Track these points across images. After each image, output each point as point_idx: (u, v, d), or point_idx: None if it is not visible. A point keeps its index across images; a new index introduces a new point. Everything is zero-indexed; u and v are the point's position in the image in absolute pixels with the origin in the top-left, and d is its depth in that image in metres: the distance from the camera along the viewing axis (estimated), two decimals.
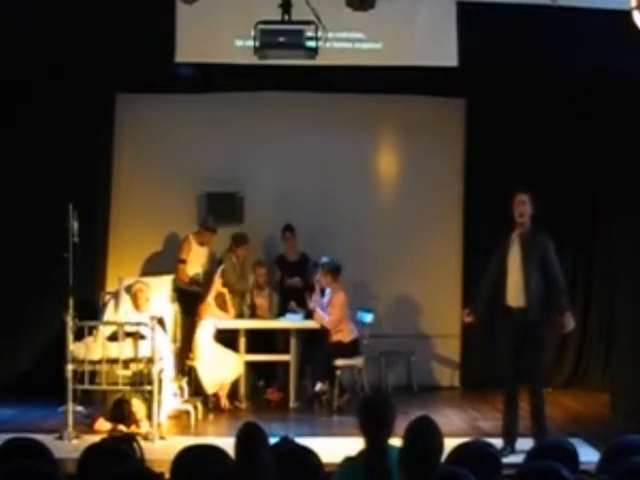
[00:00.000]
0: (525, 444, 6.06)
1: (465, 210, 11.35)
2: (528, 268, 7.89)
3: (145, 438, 8.25)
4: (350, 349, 10.12)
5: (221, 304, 10.15)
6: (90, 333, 8.89)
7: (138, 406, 8.80)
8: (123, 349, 8.73)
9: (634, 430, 6.56)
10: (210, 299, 10.04)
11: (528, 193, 8.14)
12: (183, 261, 10.35)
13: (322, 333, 10.20)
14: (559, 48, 8.71)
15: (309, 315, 10.35)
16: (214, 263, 10.61)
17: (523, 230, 8.08)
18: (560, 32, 8.55)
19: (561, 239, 11.22)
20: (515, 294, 7.95)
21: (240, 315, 10.55)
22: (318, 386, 9.99)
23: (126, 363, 8.76)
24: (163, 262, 10.78)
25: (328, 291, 10.25)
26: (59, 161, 10.61)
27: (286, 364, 10.21)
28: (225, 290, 10.22)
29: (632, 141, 9.51)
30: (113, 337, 8.87)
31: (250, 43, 7.72)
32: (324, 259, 10.21)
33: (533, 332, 7.88)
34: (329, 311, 10.10)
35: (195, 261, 10.44)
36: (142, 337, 8.80)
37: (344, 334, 10.13)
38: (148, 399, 8.72)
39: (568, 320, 7.96)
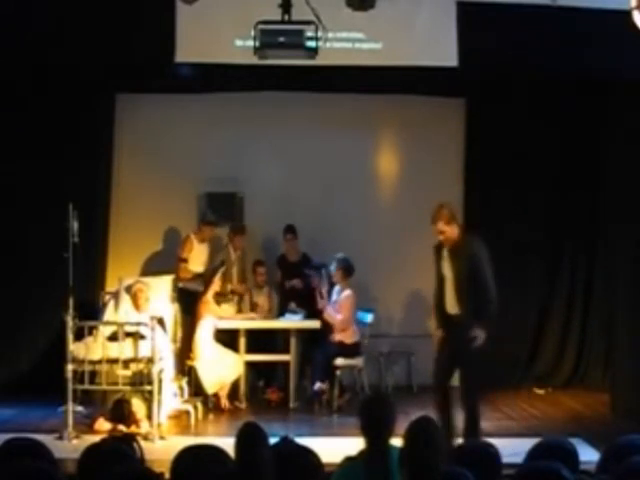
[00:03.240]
0: (525, 444, 6.04)
1: (465, 210, 11.33)
2: (459, 279, 7.75)
3: (145, 438, 8.25)
4: (351, 350, 10.12)
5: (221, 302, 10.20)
6: (90, 333, 8.89)
7: (138, 406, 8.80)
8: (123, 349, 8.73)
9: (634, 430, 6.54)
10: (209, 297, 10.05)
11: (439, 221, 7.82)
12: (184, 260, 10.36)
13: (322, 333, 10.20)
14: (559, 48, 8.71)
15: (309, 315, 10.35)
16: (215, 261, 10.59)
17: (451, 244, 7.89)
18: (560, 32, 8.54)
19: (561, 240, 11.29)
20: (451, 303, 7.86)
21: (239, 311, 10.60)
22: (317, 385, 9.98)
23: (126, 363, 8.76)
24: (163, 262, 10.79)
25: (337, 289, 10.24)
26: (59, 161, 10.61)
27: (286, 364, 10.21)
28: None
29: (633, 142, 9.50)
30: (113, 337, 8.87)
31: (250, 43, 7.72)
32: (340, 254, 10.21)
33: (467, 342, 7.62)
34: (338, 310, 10.11)
35: (197, 259, 10.44)
36: (142, 337, 8.80)
37: (347, 335, 10.14)
38: (148, 399, 8.72)
39: (478, 331, 7.61)
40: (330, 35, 8.30)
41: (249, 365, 10.25)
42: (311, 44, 7.53)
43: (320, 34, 7.54)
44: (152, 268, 10.79)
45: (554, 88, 10.62)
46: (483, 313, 7.66)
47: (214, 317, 10.01)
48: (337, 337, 10.15)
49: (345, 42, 8.84)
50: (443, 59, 8.79)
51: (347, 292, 10.17)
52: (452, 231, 7.83)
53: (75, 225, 8.80)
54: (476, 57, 8.82)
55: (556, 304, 11.31)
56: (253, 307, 10.74)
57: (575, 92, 10.73)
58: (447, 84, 10.47)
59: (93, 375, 8.84)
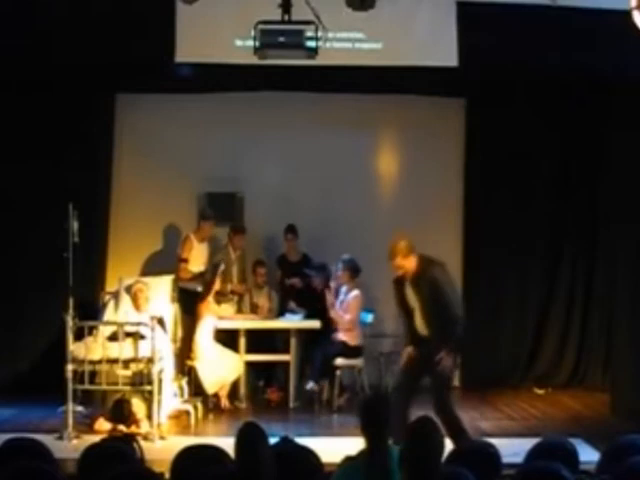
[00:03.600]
0: (525, 444, 6.04)
1: (465, 210, 11.35)
2: (425, 306, 7.75)
3: (145, 438, 8.25)
4: (353, 352, 10.11)
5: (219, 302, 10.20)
6: (90, 333, 8.89)
7: (138, 406, 8.80)
8: (123, 349, 8.73)
9: (634, 430, 6.54)
10: (210, 298, 10.04)
11: (396, 257, 7.75)
12: (185, 260, 10.35)
13: (323, 332, 10.19)
14: (559, 48, 8.71)
15: (309, 315, 10.34)
16: (214, 261, 10.58)
17: (412, 275, 7.83)
18: (560, 32, 8.54)
19: (561, 240, 11.28)
20: (421, 327, 7.84)
21: (239, 312, 10.60)
22: (309, 385, 9.96)
23: (126, 363, 8.75)
24: (163, 262, 10.78)
25: (343, 290, 10.24)
26: (59, 161, 10.61)
27: (286, 364, 10.21)
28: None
29: (633, 142, 9.50)
30: (113, 337, 8.87)
31: (250, 43, 7.71)
32: (345, 256, 10.20)
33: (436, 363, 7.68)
34: (346, 309, 10.10)
35: (197, 259, 10.43)
36: (142, 337, 8.79)
37: (352, 336, 10.13)
38: (148, 399, 8.72)
39: (443, 354, 7.65)
40: (330, 35, 8.29)
41: (249, 365, 10.25)
42: (311, 44, 7.53)
43: (320, 34, 7.54)
44: (152, 268, 10.79)
45: (555, 88, 10.62)
46: (448, 334, 7.69)
47: (214, 317, 10.01)
48: (341, 337, 10.14)
49: (345, 42, 8.83)
50: (443, 59, 8.78)
51: (355, 292, 10.16)
52: (410, 264, 7.79)
53: (75, 225, 8.79)
54: (476, 57, 8.82)
55: (556, 304, 11.31)
56: (253, 308, 10.73)
57: (576, 92, 10.73)
58: (447, 84, 10.46)
59: (93, 375, 8.83)
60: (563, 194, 11.26)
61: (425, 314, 7.78)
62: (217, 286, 10.09)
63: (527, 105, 10.99)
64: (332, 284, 10.24)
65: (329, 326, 10.21)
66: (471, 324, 11.22)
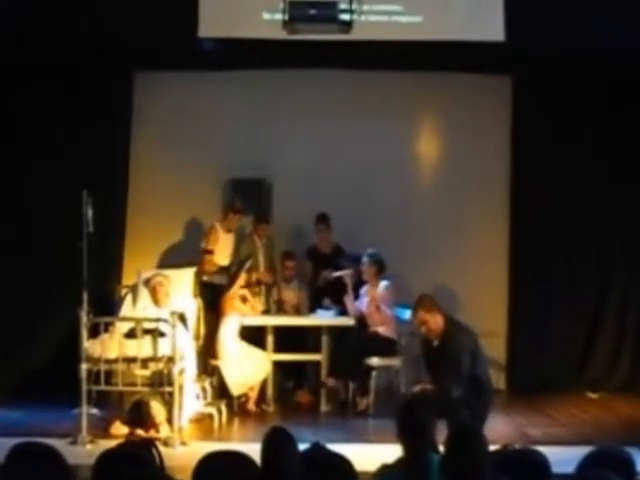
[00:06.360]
0: (577, 453, 6.01)
1: (512, 198, 11.27)
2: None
3: (165, 443, 8.27)
4: (385, 345, 10.05)
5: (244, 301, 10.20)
6: (106, 330, 8.91)
7: (157, 409, 8.83)
8: (141, 347, 8.75)
9: None
10: (235, 295, 10.04)
11: (419, 310, 7.91)
12: (210, 252, 10.36)
13: (354, 329, 10.17)
14: (614, 21, 8.63)
15: (343, 312, 10.31)
16: (240, 253, 10.58)
17: (437, 337, 7.95)
18: (615, 3, 8.45)
19: (615, 235, 11.13)
20: None
21: (267, 311, 10.58)
22: (330, 381, 10.03)
23: (144, 362, 8.77)
24: (184, 253, 10.80)
25: (364, 290, 10.22)
26: (73, 145, 10.65)
27: (317, 364, 10.21)
28: (245, 291, 10.25)
29: None
30: (131, 334, 8.89)
31: (278, 16, 7.73)
32: (371, 250, 10.18)
33: None
34: (383, 308, 10.09)
35: (223, 251, 10.45)
36: (162, 334, 8.81)
37: (386, 328, 10.08)
38: (168, 401, 8.75)
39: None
40: (365, 8, 8.28)
41: (277, 365, 10.26)
42: (345, 17, 7.53)
43: (355, 6, 7.53)
44: (172, 260, 10.81)
45: (611, 64, 10.47)
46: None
47: (238, 315, 10.02)
48: (374, 329, 10.11)
49: (382, 15, 8.82)
50: (488, 33, 8.76)
51: (385, 282, 10.12)
52: (435, 321, 7.88)
53: (90, 213, 8.80)
54: (524, 31, 8.76)
55: (610, 304, 11.21)
56: (280, 304, 10.72)
57: (631, 68, 10.58)
58: (492, 60, 10.41)
59: (109, 375, 8.88)
60: (618, 183, 11.11)
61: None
62: (241, 282, 10.09)
63: (580, 83, 10.86)
64: (349, 301, 10.24)
65: (362, 323, 10.20)
66: (518, 324, 11.24)
